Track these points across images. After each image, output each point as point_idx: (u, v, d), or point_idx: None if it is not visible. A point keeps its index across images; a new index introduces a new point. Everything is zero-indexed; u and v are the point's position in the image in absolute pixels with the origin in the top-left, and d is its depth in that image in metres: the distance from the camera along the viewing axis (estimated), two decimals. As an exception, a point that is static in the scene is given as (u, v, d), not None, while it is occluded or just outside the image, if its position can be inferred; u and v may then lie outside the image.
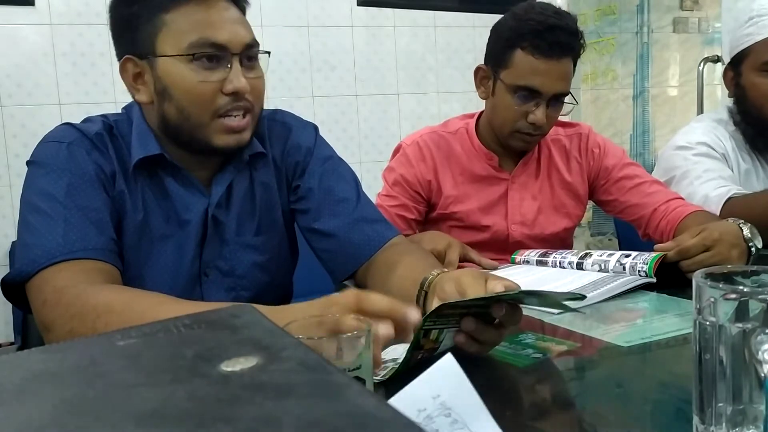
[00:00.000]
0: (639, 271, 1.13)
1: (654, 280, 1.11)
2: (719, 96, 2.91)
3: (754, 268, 0.54)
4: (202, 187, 1.03)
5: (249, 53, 0.98)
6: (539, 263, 1.32)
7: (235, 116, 0.96)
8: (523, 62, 1.34)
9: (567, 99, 1.39)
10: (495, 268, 1.30)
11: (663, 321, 0.94)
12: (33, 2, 2.22)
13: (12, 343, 2.20)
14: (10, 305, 0.95)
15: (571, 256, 1.26)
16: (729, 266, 0.55)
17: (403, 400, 0.48)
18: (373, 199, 1.50)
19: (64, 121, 1.03)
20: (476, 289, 0.77)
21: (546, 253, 1.33)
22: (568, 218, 1.53)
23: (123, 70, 0.99)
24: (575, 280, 1.16)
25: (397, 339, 0.70)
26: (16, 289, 0.90)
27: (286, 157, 1.12)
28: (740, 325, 0.49)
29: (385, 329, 0.68)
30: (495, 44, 1.41)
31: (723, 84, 1.65)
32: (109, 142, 0.99)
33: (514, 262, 1.38)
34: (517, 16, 1.37)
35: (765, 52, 1.49)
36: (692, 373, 0.53)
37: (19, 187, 0.99)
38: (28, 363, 0.38)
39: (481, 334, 0.76)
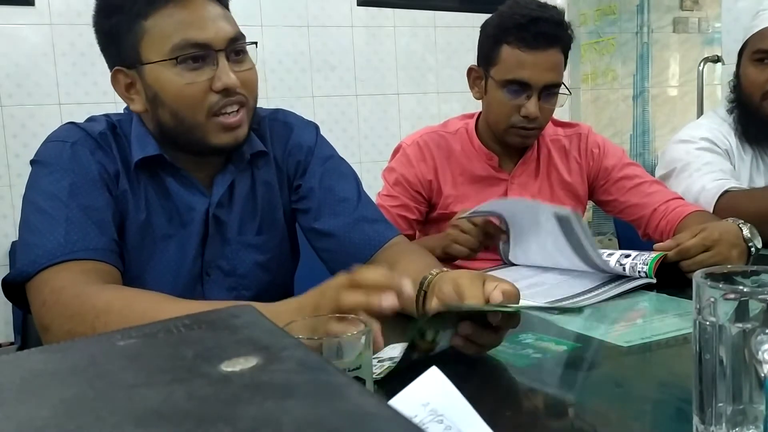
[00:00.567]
0: (639, 271, 1.13)
1: (654, 280, 1.11)
2: (719, 96, 2.91)
3: (754, 268, 0.54)
4: (203, 188, 1.03)
5: (235, 47, 0.96)
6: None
7: (229, 113, 0.96)
8: (509, 56, 1.35)
9: (561, 93, 1.40)
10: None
11: (663, 321, 0.94)
12: (33, 2, 2.22)
13: (12, 343, 2.20)
14: (10, 305, 0.95)
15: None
16: (729, 266, 0.55)
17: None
18: (374, 198, 1.51)
19: (65, 121, 1.03)
20: (474, 291, 0.77)
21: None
22: (568, 218, 1.53)
23: (115, 82, 0.98)
24: (575, 280, 1.16)
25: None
26: (18, 289, 0.90)
27: (288, 157, 1.12)
28: (740, 325, 0.49)
29: (388, 298, 0.68)
30: (483, 43, 1.43)
31: (723, 84, 1.66)
32: (113, 141, 0.99)
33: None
34: (501, 13, 1.39)
35: (756, 42, 1.53)
36: (692, 373, 0.53)
37: (20, 187, 0.99)
38: (28, 363, 0.38)
39: (479, 338, 0.76)
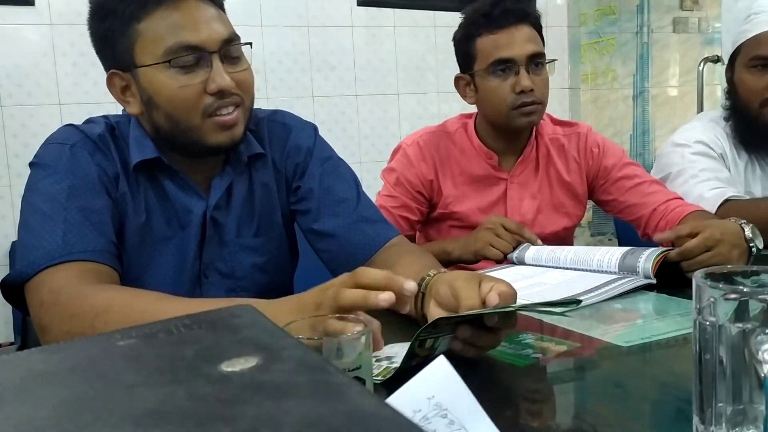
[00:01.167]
0: (639, 271, 1.13)
1: (654, 280, 1.11)
2: (719, 96, 2.91)
3: (754, 268, 0.54)
4: (200, 190, 1.03)
5: (229, 48, 0.96)
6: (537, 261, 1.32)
7: (224, 113, 0.95)
8: (485, 44, 1.39)
9: (548, 63, 1.42)
10: (535, 242, 1.33)
11: (663, 321, 0.94)
12: (33, 2, 2.22)
13: (12, 343, 2.20)
14: (9, 305, 0.95)
15: (570, 256, 1.26)
16: (729, 266, 0.55)
17: (398, 402, 0.48)
18: (373, 199, 1.51)
19: (65, 123, 1.03)
20: (469, 292, 0.77)
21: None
22: (568, 218, 1.53)
23: (110, 85, 0.99)
24: (575, 280, 1.16)
25: (397, 307, 0.71)
26: (17, 290, 0.90)
27: (286, 159, 1.12)
28: (740, 325, 0.49)
29: (385, 296, 0.69)
30: (458, 50, 1.48)
31: (723, 84, 1.66)
32: (112, 143, 0.99)
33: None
34: (464, 15, 1.46)
35: (752, 49, 1.52)
36: (692, 373, 0.53)
37: (20, 187, 0.99)
38: (28, 363, 0.38)
39: (478, 340, 0.75)
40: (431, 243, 1.48)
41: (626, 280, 1.10)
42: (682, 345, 0.83)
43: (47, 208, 0.91)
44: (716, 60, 2.76)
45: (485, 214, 1.48)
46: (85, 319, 0.80)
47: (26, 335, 2.05)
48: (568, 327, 0.92)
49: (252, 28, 2.37)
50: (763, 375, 0.47)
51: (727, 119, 1.61)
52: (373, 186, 1.50)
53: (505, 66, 1.37)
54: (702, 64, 2.77)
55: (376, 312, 0.88)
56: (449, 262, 1.33)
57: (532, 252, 1.33)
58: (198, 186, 1.03)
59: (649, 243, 1.42)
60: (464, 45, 1.43)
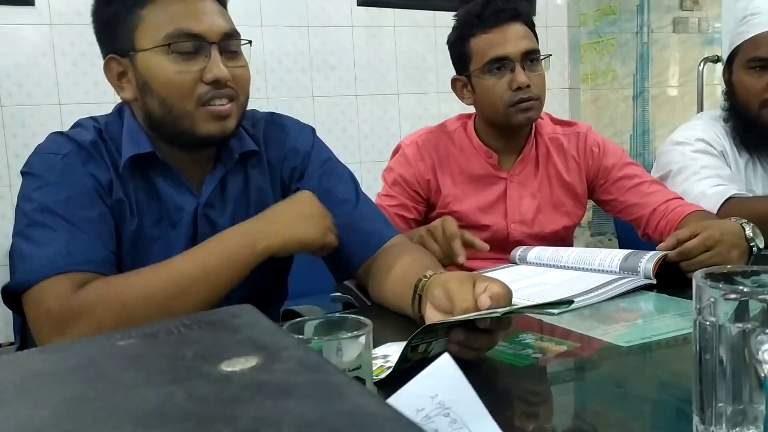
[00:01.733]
0: (639, 271, 1.13)
1: (654, 280, 1.11)
2: (719, 96, 2.91)
3: (754, 268, 0.54)
4: (192, 187, 1.03)
5: (229, 42, 0.97)
6: (538, 262, 1.32)
7: (218, 104, 0.96)
8: (479, 44, 1.40)
9: (543, 60, 1.43)
10: (486, 249, 1.27)
11: (663, 321, 0.94)
12: (33, 2, 2.22)
13: (12, 343, 2.20)
14: (10, 306, 0.96)
15: (572, 257, 1.26)
16: (729, 266, 0.55)
17: (401, 400, 0.48)
18: (373, 199, 1.51)
19: (65, 122, 1.03)
20: (463, 294, 0.76)
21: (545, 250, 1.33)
22: (568, 217, 1.53)
23: (107, 69, 0.99)
24: (575, 279, 1.16)
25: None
26: (16, 298, 0.91)
27: (283, 161, 1.11)
28: (740, 325, 0.49)
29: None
30: (453, 52, 1.48)
31: (723, 84, 1.66)
32: (104, 149, 0.99)
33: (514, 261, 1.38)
34: (457, 17, 1.46)
35: (751, 50, 1.52)
36: (692, 373, 0.53)
37: (19, 186, 0.99)
38: (28, 363, 0.38)
39: (474, 342, 0.75)
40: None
41: (626, 280, 1.10)
42: (682, 345, 0.83)
43: (47, 219, 0.91)
44: (716, 60, 2.76)
45: (485, 214, 1.48)
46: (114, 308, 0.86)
47: (26, 335, 2.05)
48: (568, 327, 0.92)
49: (252, 28, 2.37)
50: (763, 375, 0.47)
51: (726, 120, 1.61)
52: (373, 186, 1.50)
53: (500, 64, 1.38)
54: (702, 64, 2.77)
55: (374, 311, 0.88)
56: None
57: (534, 252, 1.33)
58: (190, 183, 1.03)
59: (649, 243, 1.42)
60: (458, 46, 1.44)
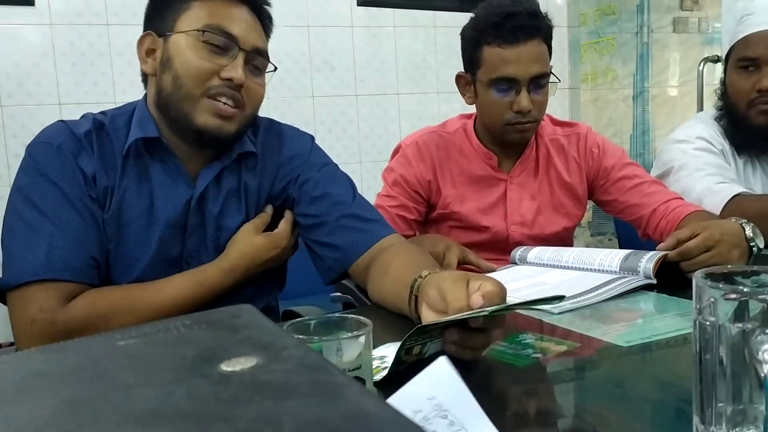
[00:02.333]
0: (639, 271, 1.13)
1: (654, 280, 1.11)
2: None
3: (754, 268, 0.54)
4: (189, 178, 1.05)
5: (256, 57, 1.04)
6: (539, 262, 1.32)
7: (224, 102, 0.99)
8: (491, 56, 1.36)
9: (551, 82, 1.41)
10: (492, 271, 1.30)
11: (663, 321, 0.94)
12: (33, 2, 2.22)
13: (12, 344, 2.20)
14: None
15: (572, 257, 1.26)
16: (729, 266, 0.55)
17: (399, 402, 0.48)
18: (373, 199, 1.51)
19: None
20: (456, 293, 0.76)
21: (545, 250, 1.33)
22: (568, 218, 1.53)
23: (140, 42, 1.04)
24: (575, 279, 1.16)
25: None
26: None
27: (279, 168, 1.13)
28: (740, 325, 0.49)
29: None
30: (464, 49, 1.45)
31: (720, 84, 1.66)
32: (95, 139, 1.01)
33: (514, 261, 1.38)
34: (476, 15, 1.41)
35: (741, 50, 1.53)
36: (692, 373, 0.53)
37: (19, 186, 1.00)
38: (28, 363, 0.38)
39: (469, 341, 0.75)
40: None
41: (626, 280, 1.10)
42: (682, 345, 0.83)
43: (33, 218, 0.95)
44: (716, 60, 2.76)
45: (485, 215, 1.48)
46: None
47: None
48: (568, 327, 0.92)
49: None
50: (763, 375, 0.47)
51: (719, 119, 1.61)
52: (373, 186, 1.50)
53: (507, 85, 1.36)
54: (702, 64, 2.77)
55: (374, 311, 0.88)
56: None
57: (534, 252, 1.33)
58: (189, 175, 1.05)
59: (649, 243, 1.42)
60: (470, 46, 1.41)
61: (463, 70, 1.47)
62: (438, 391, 0.49)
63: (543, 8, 1.41)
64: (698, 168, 1.52)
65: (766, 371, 0.47)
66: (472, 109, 1.56)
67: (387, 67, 2.75)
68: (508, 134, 1.41)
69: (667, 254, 1.14)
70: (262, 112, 1.15)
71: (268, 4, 1.09)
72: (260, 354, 0.35)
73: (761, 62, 1.49)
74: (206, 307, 0.94)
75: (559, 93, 3.11)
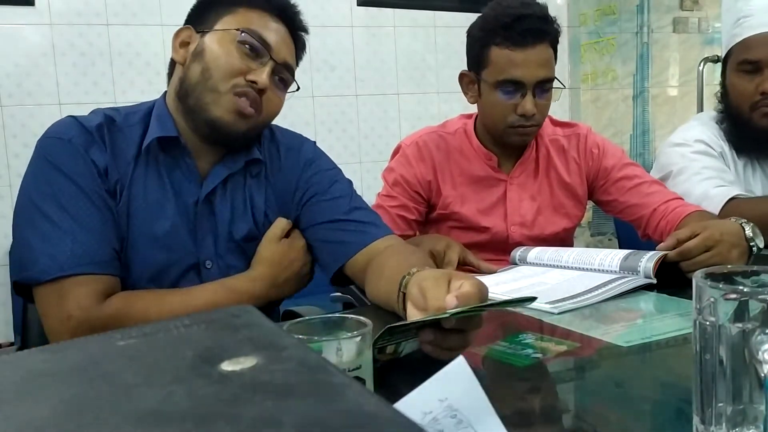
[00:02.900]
0: (639, 271, 1.13)
1: (654, 280, 1.11)
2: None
3: (755, 268, 0.54)
4: (198, 179, 1.06)
5: (283, 71, 1.07)
6: (539, 262, 1.32)
7: (248, 98, 1.02)
8: (499, 57, 1.35)
9: (555, 85, 1.40)
10: (492, 272, 1.30)
11: (663, 321, 0.94)
12: (33, 2, 2.22)
13: (12, 344, 2.20)
14: (10, 305, 0.97)
15: (572, 256, 1.26)
16: (729, 266, 0.55)
17: (410, 404, 0.48)
18: (374, 199, 1.51)
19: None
20: (436, 293, 0.75)
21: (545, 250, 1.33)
22: (568, 218, 1.53)
23: (176, 35, 1.08)
24: (575, 279, 1.16)
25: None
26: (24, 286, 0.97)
27: (284, 174, 1.14)
28: (740, 325, 0.49)
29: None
30: (471, 48, 1.43)
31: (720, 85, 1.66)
32: (107, 133, 1.02)
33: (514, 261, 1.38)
34: (485, 15, 1.39)
35: (741, 52, 1.52)
36: (692, 373, 0.53)
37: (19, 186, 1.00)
38: (28, 363, 0.38)
39: (444, 342, 0.74)
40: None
41: (626, 280, 1.10)
42: (682, 345, 0.83)
43: (54, 213, 0.95)
44: (716, 60, 2.75)
45: (485, 216, 1.48)
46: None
47: (26, 335, 2.05)
48: (568, 327, 0.92)
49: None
50: (763, 375, 0.47)
51: (720, 122, 1.61)
52: (373, 186, 1.50)
53: (513, 87, 1.35)
54: (702, 64, 2.77)
55: (374, 311, 0.88)
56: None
57: (534, 252, 1.34)
58: (199, 175, 1.07)
59: (649, 243, 1.42)
60: (477, 46, 1.39)
61: (466, 68, 1.47)
62: (451, 393, 0.49)
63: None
64: (696, 172, 1.52)
65: (766, 371, 0.47)
66: (472, 109, 1.56)
67: (387, 67, 2.75)
68: (509, 136, 1.41)
69: (666, 254, 1.14)
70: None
71: (306, 31, 1.15)
72: (260, 354, 0.35)
73: (763, 65, 1.48)
74: None
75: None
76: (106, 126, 1.03)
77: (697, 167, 1.53)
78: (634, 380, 0.78)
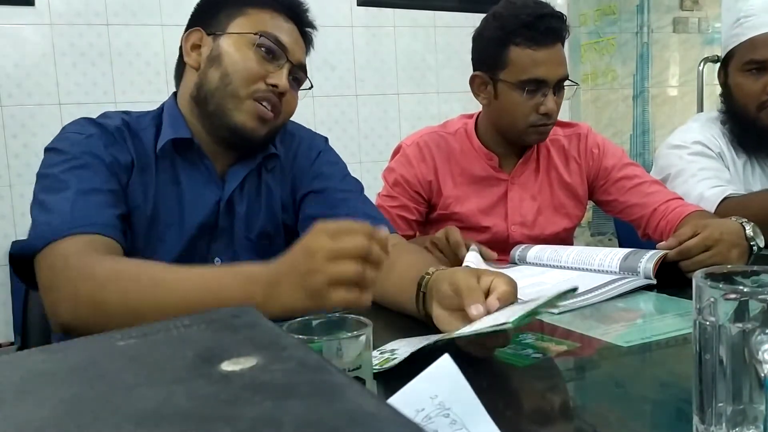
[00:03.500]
0: (639, 271, 1.13)
1: (654, 280, 1.11)
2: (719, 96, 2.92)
3: (755, 268, 0.54)
4: (218, 179, 1.07)
5: (298, 73, 1.08)
6: (539, 262, 1.32)
7: (266, 105, 1.02)
8: (521, 57, 1.35)
9: (568, 86, 1.42)
10: (493, 258, 1.30)
11: (663, 321, 0.94)
12: (33, 2, 2.22)
13: (12, 343, 2.20)
14: (10, 305, 0.96)
15: (572, 256, 1.26)
16: (729, 266, 0.55)
17: (401, 400, 0.48)
18: (374, 199, 1.51)
19: (65, 123, 1.05)
20: (468, 281, 0.77)
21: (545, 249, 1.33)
22: (568, 218, 1.53)
23: (187, 38, 1.07)
24: (575, 280, 1.16)
25: None
26: (26, 267, 0.92)
27: (293, 164, 1.15)
28: (740, 325, 0.49)
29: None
30: (485, 49, 1.41)
31: (720, 85, 1.66)
32: (128, 136, 1.03)
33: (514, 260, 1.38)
34: (500, 15, 1.38)
35: (747, 52, 1.51)
36: (692, 373, 0.53)
37: (19, 187, 1.00)
38: (28, 363, 0.38)
39: (485, 341, 0.75)
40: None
41: (626, 280, 1.10)
42: (682, 345, 0.83)
43: (57, 186, 0.94)
44: (716, 60, 2.75)
45: (485, 215, 1.48)
46: (96, 282, 0.82)
47: (26, 335, 2.05)
48: (568, 327, 0.92)
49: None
50: (763, 375, 0.47)
51: (724, 122, 1.61)
52: (373, 186, 1.50)
53: (536, 85, 1.35)
54: (702, 64, 2.77)
55: (374, 311, 0.88)
56: None
57: (534, 251, 1.33)
58: (217, 176, 1.07)
59: (649, 243, 1.42)
60: (494, 47, 1.38)
61: (472, 70, 1.46)
62: (440, 390, 0.49)
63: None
64: (693, 174, 1.53)
65: (766, 371, 0.47)
66: (472, 109, 1.55)
67: (387, 67, 2.75)
68: (529, 135, 1.41)
69: (666, 254, 1.14)
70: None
71: (314, 27, 1.14)
72: (260, 354, 0.35)
73: None
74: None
75: (559, 93, 3.12)
76: (126, 129, 1.03)
77: (694, 169, 1.54)
78: (634, 380, 0.78)
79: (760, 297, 0.48)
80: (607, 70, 3.24)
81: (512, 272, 1.28)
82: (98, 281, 0.82)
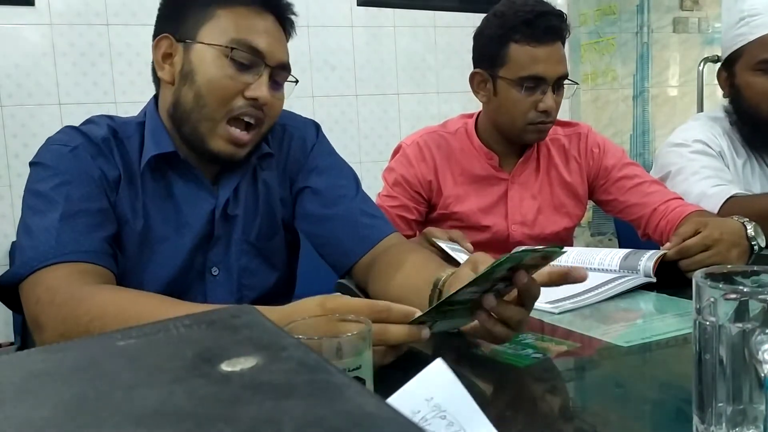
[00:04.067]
0: (639, 270, 1.13)
1: (654, 280, 1.11)
2: (719, 96, 2.92)
3: (755, 268, 0.54)
4: (211, 188, 1.04)
5: (280, 73, 1.01)
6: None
7: (245, 120, 0.97)
8: (520, 54, 1.35)
9: (568, 85, 1.41)
10: (471, 251, 1.29)
11: (663, 321, 0.94)
12: (33, 2, 2.22)
13: (12, 343, 2.20)
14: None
15: (572, 256, 1.26)
16: (729, 266, 0.55)
17: (397, 402, 0.48)
18: (374, 199, 1.51)
19: (65, 123, 1.03)
20: (489, 263, 0.75)
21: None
22: (568, 218, 1.53)
23: (156, 47, 1.00)
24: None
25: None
26: (12, 292, 0.90)
27: (287, 158, 1.12)
28: (740, 325, 0.49)
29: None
30: (485, 46, 1.42)
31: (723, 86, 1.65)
32: (115, 147, 0.98)
33: None
34: (501, 13, 1.38)
35: (758, 52, 1.50)
36: (692, 373, 0.53)
37: (19, 187, 0.99)
38: (28, 363, 0.38)
39: (504, 312, 0.73)
40: None
41: (626, 279, 1.11)
42: (682, 345, 0.83)
43: (43, 207, 0.90)
44: (716, 60, 2.75)
45: (486, 215, 1.48)
46: (80, 323, 0.79)
47: (26, 335, 2.05)
48: (568, 327, 0.92)
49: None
50: (763, 375, 0.47)
51: (732, 123, 1.60)
52: (373, 186, 1.50)
53: (535, 83, 1.36)
54: (702, 64, 2.77)
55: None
56: None
57: None
58: (210, 184, 1.04)
59: (649, 243, 1.42)
60: (494, 44, 1.38)
61: (473, 68, 1.46)
62: (436, 392, 0.49)
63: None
64: (694, 172, 1.52)
65: (766, 371, 0.47)
66: (472, 109, 1.55)
67: (387, 67, 2.75)
68: (527, 134, 1.41)
69: (666, 253, 1.14)
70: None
71: (294, 14, 1.04)
72: (260, 354, 0.35)
73: None
74: None
75: (559, 93, 3.12)
76: (112, 138, 0.99)
77: (695, 167, 1.53)
78: (634, 380, 0.78)
79: (760, 297, 0.48)
80: (607, 70, 3.24)
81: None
82: (84, 321, 0.79)
